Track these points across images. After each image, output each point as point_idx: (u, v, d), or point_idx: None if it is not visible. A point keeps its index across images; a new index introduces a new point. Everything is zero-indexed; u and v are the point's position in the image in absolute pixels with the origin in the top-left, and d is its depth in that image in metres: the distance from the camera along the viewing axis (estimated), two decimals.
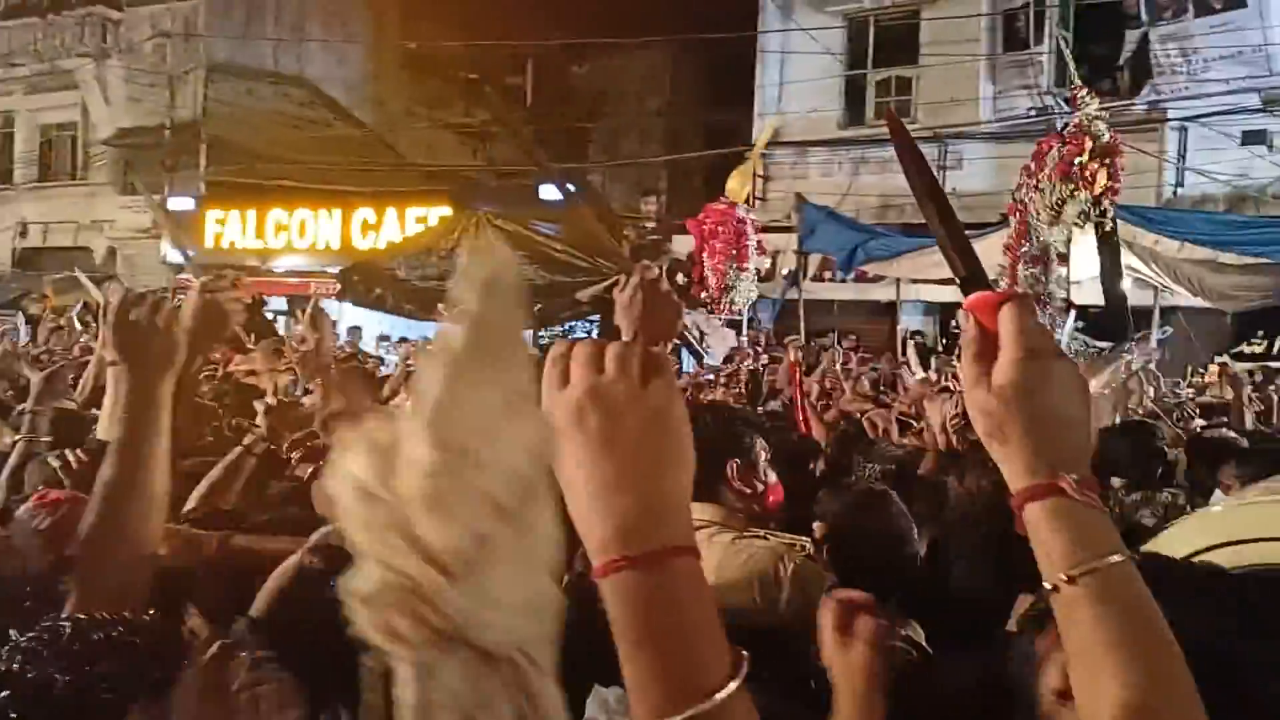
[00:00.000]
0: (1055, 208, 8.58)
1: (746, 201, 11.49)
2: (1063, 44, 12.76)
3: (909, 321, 13.86)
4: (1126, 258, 9.50)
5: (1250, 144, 13.37)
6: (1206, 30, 13.45)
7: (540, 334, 13.41)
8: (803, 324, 12.48)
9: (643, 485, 0.85)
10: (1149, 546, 2.31)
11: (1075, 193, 8.52)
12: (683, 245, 14.08)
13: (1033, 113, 14.99)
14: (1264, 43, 13.07)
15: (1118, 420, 4.92)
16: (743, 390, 7.15)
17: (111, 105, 19.67)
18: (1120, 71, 14.76)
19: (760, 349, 10.57)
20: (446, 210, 16.12)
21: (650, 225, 12.08)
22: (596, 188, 17.23)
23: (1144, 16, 13.86)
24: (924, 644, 2.32)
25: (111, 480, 1.69)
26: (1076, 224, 8.66)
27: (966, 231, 1.12)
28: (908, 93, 16.53)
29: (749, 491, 2.53)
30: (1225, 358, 11.04)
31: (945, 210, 1.09)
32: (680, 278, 12.38)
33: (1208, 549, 2.22)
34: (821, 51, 16.56)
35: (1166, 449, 4.20)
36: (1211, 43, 13.44)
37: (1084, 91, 8.99)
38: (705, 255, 11.35)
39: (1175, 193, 13.31)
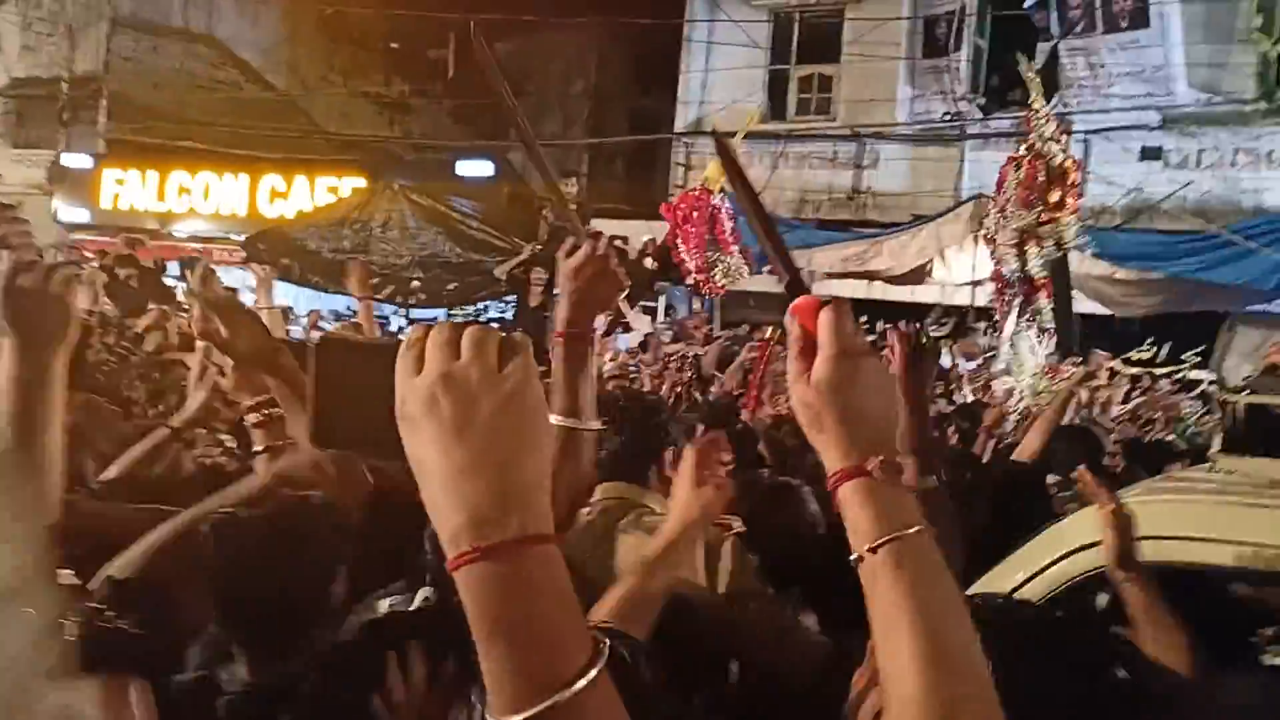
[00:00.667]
0: (1023, 235, 8.59)
1: (723, 190, 11.55)
2: (985, 52, 13.09)
3: None
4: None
5: (1148, 159, 13.90)
6: (1113, 47, 13.91)
7: (453, 312, 13.28)
8: (718, 314, 12.59)
9: (497, 472, 0.84)
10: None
11: (1039, 224, 8.53)
12: (602, 229, 14.07)
13: (948, 117, 15.31)
14: (1164, 63, 13.57)
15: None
16: (681, 381, 7.05)
17: (5, 54, 18.78)
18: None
19: (681, 338, 10.60)
20: (359, 181, 15.83)
21: (571, 207, 12.00)
22: (516, 166, 17.07)
23: (1055, 29, 14.26)
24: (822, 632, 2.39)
25: (3, 455, 1.64)
26: (1048, 246, 8.66)
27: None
28: (829, 90, 16.75)
29: None
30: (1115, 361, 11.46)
31: (769, 225, 1.25)
32: (649, 261, 12.40)
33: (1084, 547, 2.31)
34: (746, 44, 16.66)
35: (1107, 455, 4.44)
36: (1116, 59, 13.90)
37: (1039, 111, 8.97)
38: (679, 240, 11.40)
39: None
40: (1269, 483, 2.34)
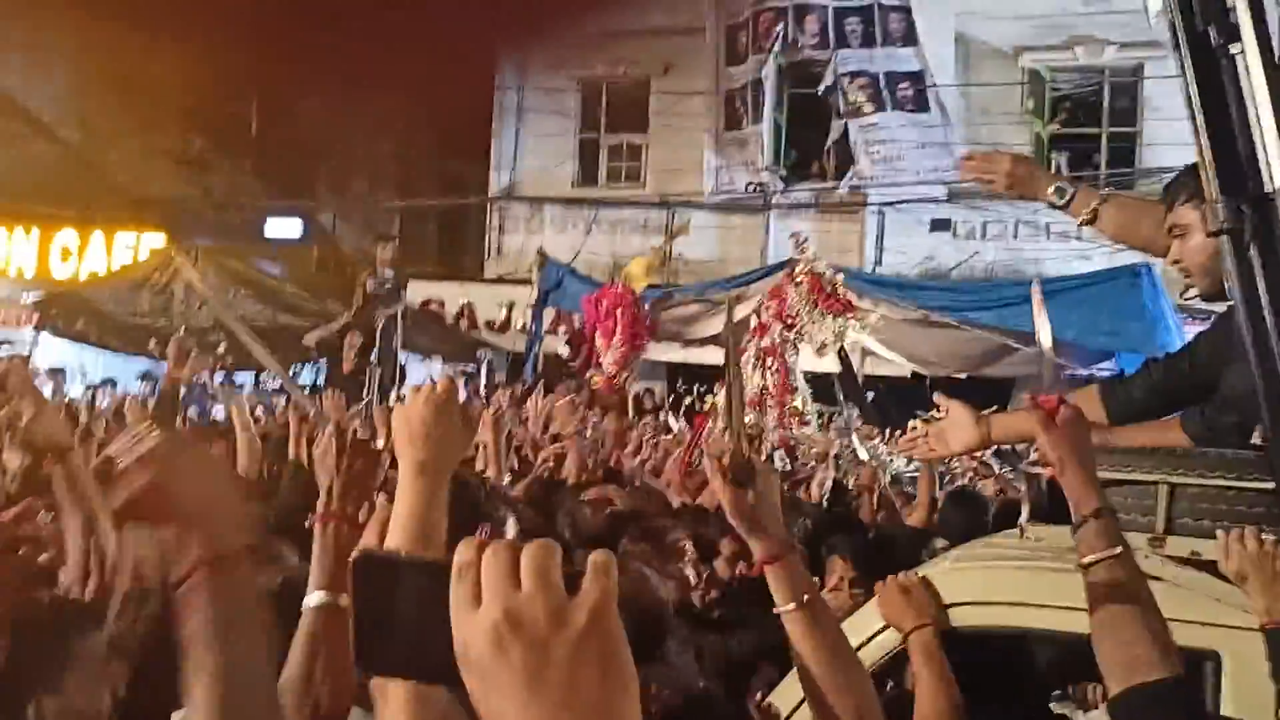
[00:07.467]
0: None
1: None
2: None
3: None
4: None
5: (937, 230, 14.96)
6: (901, 124, 14.94)
7: (261, 376, 12.81)
8: (540, 377, 12.62)
9: None
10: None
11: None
12: (417, 293, 13.87)
13: (751, 188, 15.97)
14: (946, 140, 14.69)
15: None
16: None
17: None
18: (827, 156, 16.12)
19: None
20: (158, 239, 15.18)
21: (389, 273, 11.87)
22: (325, 227, 16.74)
23: (842, 109, 15.22)
24: None
25: None
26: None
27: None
28: (638, 158, 17.26)
29: None
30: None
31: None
32: (563, 349, 12.35)
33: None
34: (556, 112, 17.01)
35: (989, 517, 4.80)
36: (904, 136, 14.92)
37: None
38: (599, 335, 11.44)
39: (874, 270, 14.63)
40: (1070, 549, 2.60)
